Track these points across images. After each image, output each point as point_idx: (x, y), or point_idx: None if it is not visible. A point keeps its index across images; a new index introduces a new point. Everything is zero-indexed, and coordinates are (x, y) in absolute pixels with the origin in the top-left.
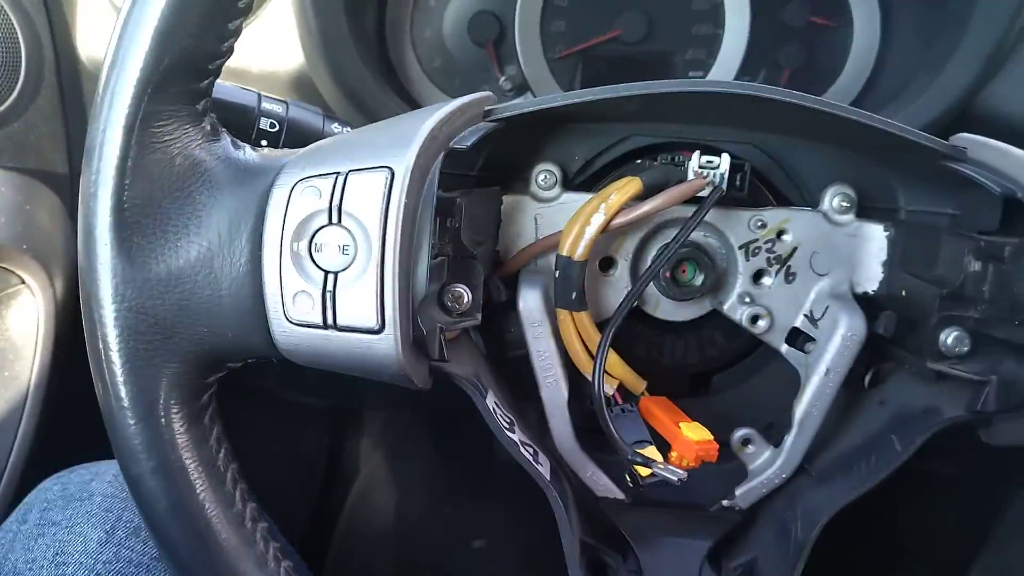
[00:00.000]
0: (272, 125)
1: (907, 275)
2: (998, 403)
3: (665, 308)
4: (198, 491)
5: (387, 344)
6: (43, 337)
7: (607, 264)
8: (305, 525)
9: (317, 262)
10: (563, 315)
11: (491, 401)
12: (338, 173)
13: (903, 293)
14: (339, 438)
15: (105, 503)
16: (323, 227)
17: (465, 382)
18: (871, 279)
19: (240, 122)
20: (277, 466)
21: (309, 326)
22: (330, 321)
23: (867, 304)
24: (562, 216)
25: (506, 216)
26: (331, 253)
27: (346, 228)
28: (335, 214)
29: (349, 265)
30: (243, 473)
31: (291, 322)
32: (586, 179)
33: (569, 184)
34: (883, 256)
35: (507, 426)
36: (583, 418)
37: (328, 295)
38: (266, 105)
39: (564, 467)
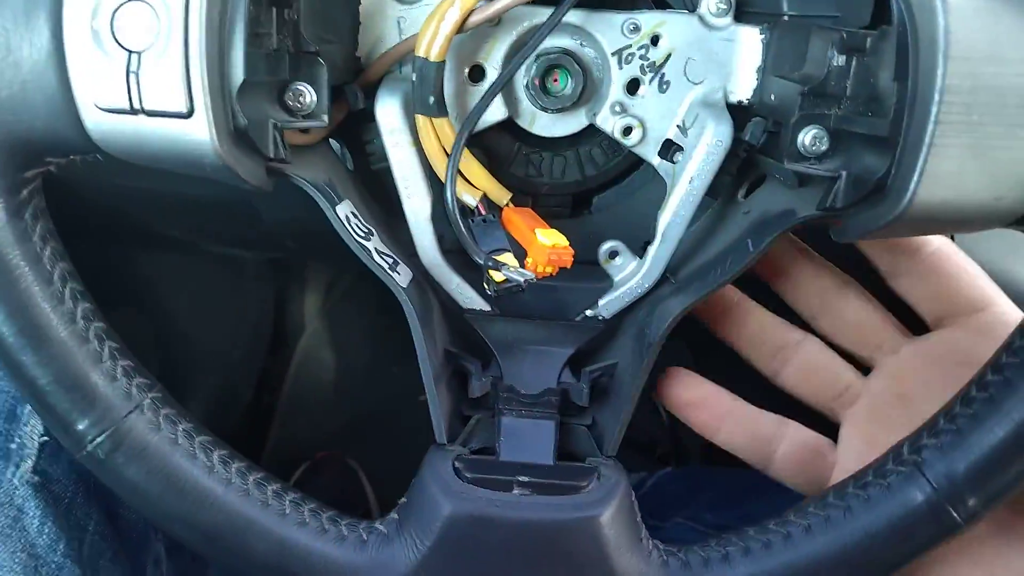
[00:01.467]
0: None
1: (777, 79)
2: (846, 198)
3: (542, 123)
4: (21, 285)
5: (200, 129)
6: None
7: (478, 74)
8: (253, 384)
9: (120, 41)
10: (423, 122)
11: (346, 210)
12: None
13: (772, 99)
14: (282, 297)
15: None
16: (123, 3)
17: (310, 186)
18: (745, 86)
19: None
20: (222, 325)
21: (118, 111)
22: (137, 105)
23: (742, 114)
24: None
25: (366, 19)
26: (133, 32)
27: (147, 3)
28: None
29: (153, 44)
30: (75, 275)
31: (100, 109)
32: None
33: None
34: (758, 61)
35: (363, 235)
36: (453, 239)
37: (132, 76)
38: None
39: (431, 281)
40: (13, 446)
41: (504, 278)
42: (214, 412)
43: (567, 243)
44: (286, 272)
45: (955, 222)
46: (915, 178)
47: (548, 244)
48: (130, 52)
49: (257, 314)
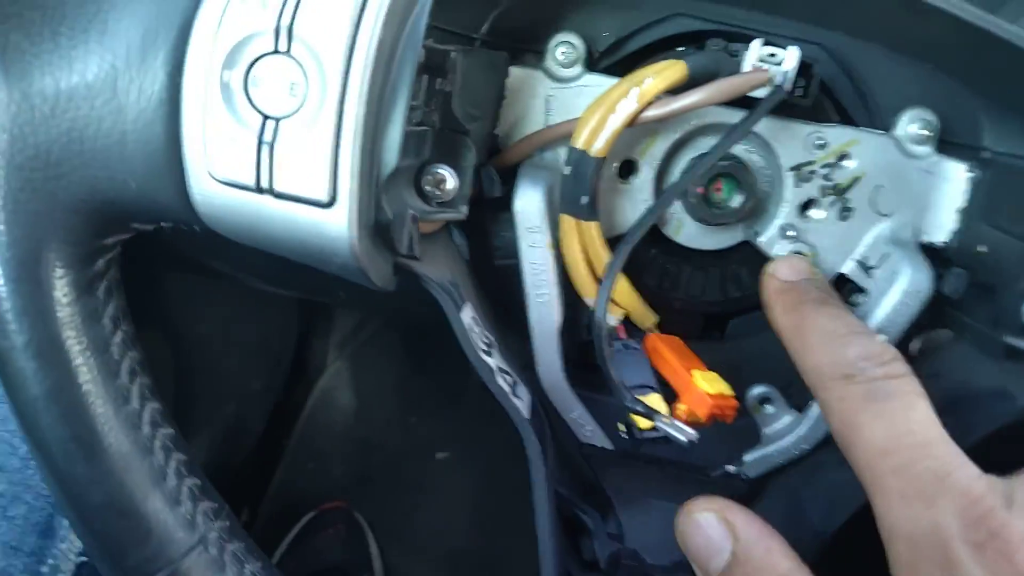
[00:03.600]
0: None
1: (990, 228)
2: None
3: (688, 232)
4: (80, 380)
5: (338, 223)
6: None
7: (628, 169)
8: (267, 416)
9: (254, 101)
10: (567, 223)
11: (468, 316)
12: None
13: (982, 249)
14: (307, 332)
15: None
16: (266, 54)
17: (438, 288)
18: (941, 228)
19: None
20: (242, 354)
21: (238, 187)
22: (265, 184)
23: (931, 257)
24: (581, 101)
25: (511, 93)
26: (274, 91)
27: (296, 59)
28: (283, 38)
29: (297, 110)
30: (146, 367)
31: (215, 179)
32: (614, 63)
33: (594, 65)
34: (960, 202)
35: (485, 348)
36: (574, 351)
37: (265, 148)
38: None
39: (546, 404)
40: (45, 569)
41: (652, 425)
42: (223, 443)
43: (731, 392)
44: (314, 308)
45: None
46: None
47: (711, 392)
48: (266, 117)
49: (280, 346)
